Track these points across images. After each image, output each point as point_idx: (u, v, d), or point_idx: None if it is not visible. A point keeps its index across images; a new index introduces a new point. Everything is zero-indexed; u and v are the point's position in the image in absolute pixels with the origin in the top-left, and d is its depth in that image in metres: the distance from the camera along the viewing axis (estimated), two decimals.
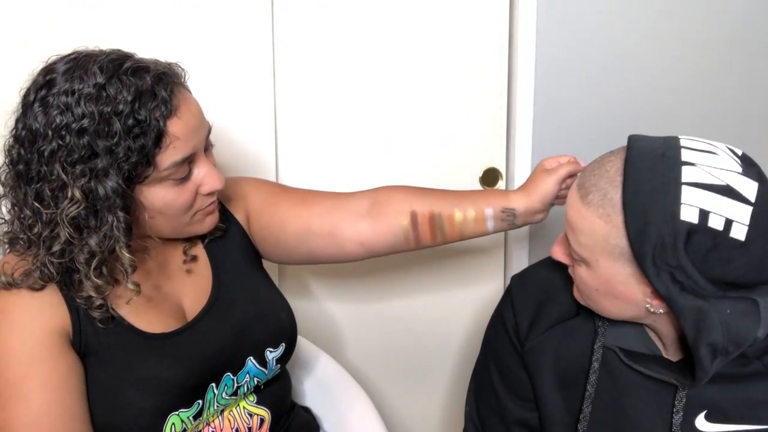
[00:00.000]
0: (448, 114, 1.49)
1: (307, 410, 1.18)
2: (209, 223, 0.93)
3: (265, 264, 1.14)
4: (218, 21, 1.32)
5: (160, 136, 0.80)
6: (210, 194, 0.90)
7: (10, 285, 0.80)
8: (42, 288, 0.81)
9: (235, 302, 0.97)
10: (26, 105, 0.80)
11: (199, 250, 0.99)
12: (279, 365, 1.00)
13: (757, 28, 1.56)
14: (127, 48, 0.89)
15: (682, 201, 0.73)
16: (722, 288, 0.75)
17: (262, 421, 0.99)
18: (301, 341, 1.27)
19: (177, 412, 0.86)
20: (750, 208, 0.72)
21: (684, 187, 0.73)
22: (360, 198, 1.05)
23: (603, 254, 0.79)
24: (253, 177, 1.14)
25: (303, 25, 1.38)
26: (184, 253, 0.97)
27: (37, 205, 0.79)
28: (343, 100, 1.43)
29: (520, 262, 1.54)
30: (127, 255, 0.81)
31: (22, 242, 0.82)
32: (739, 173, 0.75)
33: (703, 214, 0.72)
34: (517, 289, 1.01)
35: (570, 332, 0.94)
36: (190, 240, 0.98)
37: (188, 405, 0.88)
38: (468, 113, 1.49)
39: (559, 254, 0.90)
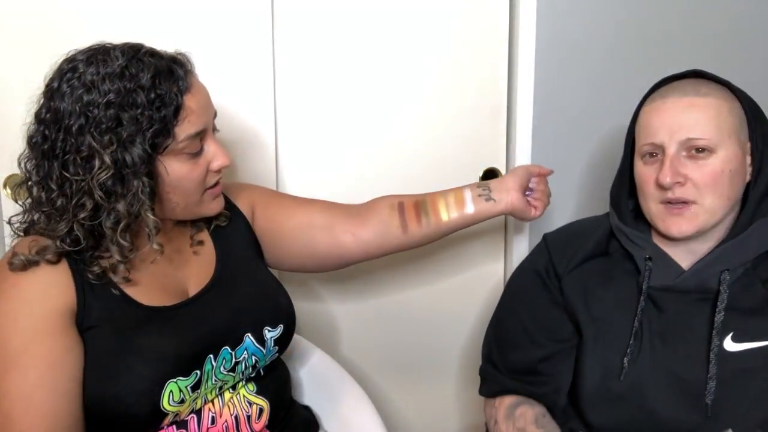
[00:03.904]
0: (448, 114, 1.50)
1: (307, 409, 1.18)
2: (216, 205, 1.01)
3: None
4: (218, 21, 1.34)
5: (178, 109, 0.88)
6: (218, 171, 0.97)
7: (29, 263, 0.85)
8: (57, 261, 0.87)
9: (236, 282, 1.03)
10: (51, 89, 0.87)
11: (205, 236, 1.06)
12: (277, 348, 1.03)
13: (758, 27, 1.57)
14: None
15: None
16: None
17: (261, 410, 1.01)
18: (302, 341, 1.28)
19: (175, 380, 0.89)
20: None
21: None
22: (356, 204, 1.20)
23: (731, 129, 0.94)
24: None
25: (303, 25, 1.40)
26: (191, 237, 1.04)
27: (66, 174, 0.85)
28: (343, 101, 1.45)
29: (520, 253, 1.53)
30: (152, 217, 0.88)
31: (46, 217, 0.87)
32: None
33: None
34: (551, 236, 1.14)
35: (608, 268, 1.04)
36: (197, 226, 1.05)
37: (186, 374, 0.91)
38: (468, 113, 1.50)
39: (672, 175, 0.94)
